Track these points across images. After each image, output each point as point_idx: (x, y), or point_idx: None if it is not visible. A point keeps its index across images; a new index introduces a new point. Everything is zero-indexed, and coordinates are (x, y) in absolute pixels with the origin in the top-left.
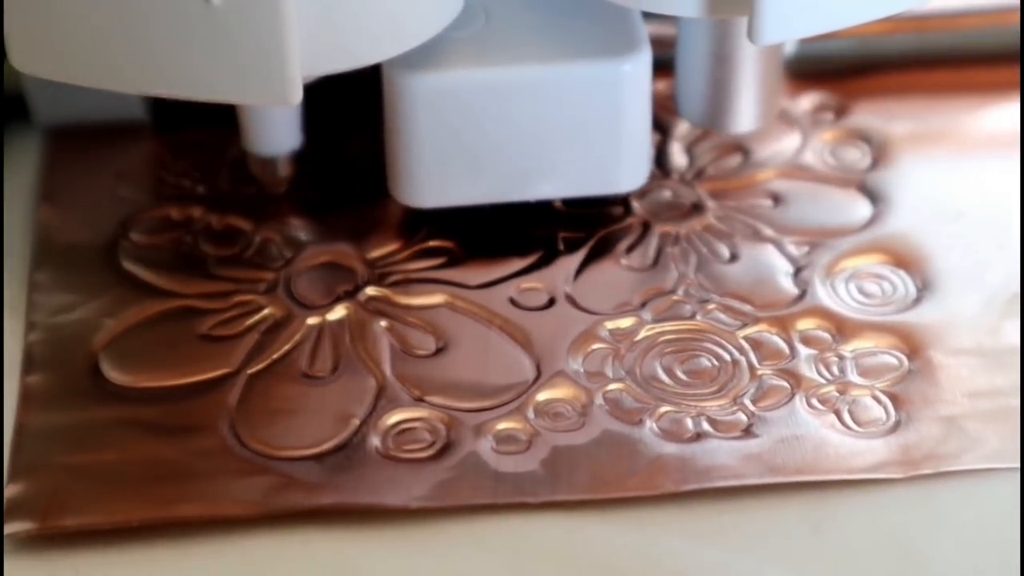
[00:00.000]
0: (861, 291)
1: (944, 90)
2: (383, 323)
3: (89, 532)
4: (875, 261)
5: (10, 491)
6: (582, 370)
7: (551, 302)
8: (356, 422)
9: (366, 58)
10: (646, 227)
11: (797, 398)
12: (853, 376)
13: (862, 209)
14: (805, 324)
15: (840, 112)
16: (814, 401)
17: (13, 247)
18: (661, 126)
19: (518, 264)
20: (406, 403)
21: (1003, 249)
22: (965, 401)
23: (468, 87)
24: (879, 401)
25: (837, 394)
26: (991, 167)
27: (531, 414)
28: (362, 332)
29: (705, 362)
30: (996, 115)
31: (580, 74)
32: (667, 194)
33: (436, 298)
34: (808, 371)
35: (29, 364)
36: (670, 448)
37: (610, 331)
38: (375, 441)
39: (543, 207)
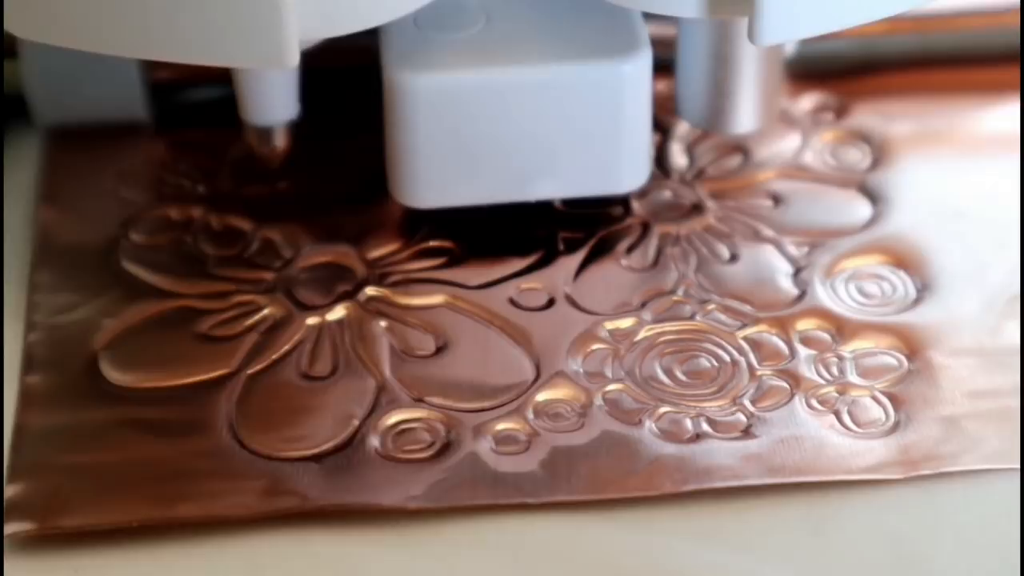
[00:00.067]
0: (861, 291)
1: (944, 90)
2: (383, 323)
3: (89, 532)
4: (875, 261)
5: (10, 491)
6: (582, 370)
7: (551, 302)
8: (355, 422)
9: (365, 21)
10: (646, 227)
11: (797, 399)
12: (853, 376)
13: (862, 209)
14: (805, 325)
15: (840, 112)
16: (814, 402)
17: (13, 247)
18: (661, 126)
19: (518, 264)
20: (406, 403)
21: (1003, 249)
22: (965, 401)
23: (469, 88)
24: (879, 402)
25: (837, 395)
26: (991, 167)
27: (530, 414)
28: (362, 332)
29: (705, 362)
30: (996, 116)
31: (581, 75)
32: (667, 194)
33: (436, 298)
34: (808, 372)
35: (29, 364)
36: (669, 448)
37: (610, 331)
38: (374, 441)
39: (543, 207)
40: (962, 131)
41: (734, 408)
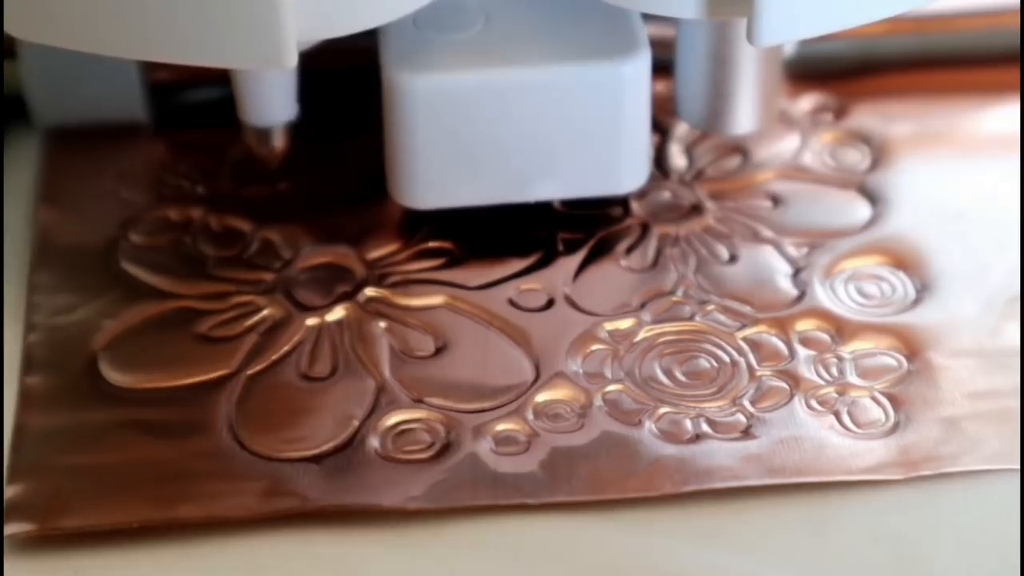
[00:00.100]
0: (860, 292)
1: (944, 91)
2: (382, 324)
3: (89, 533)
4: (874, 262)
5: (9, 492)
6: (581, 371)
7: (550, 303)
8: (355, 423)
9: (364, 22)
10: (645, 228)
11: (796, 399)
12: (852, 377)
13: (861, 210)
14: (804, 325)
15: (839, 113)
16: (813, 402)
17: (13, 248)
18: (660, 127)
19: (517, 265)
20: (405, 404)
21: (1003, 250)
22: (965, 402)
23: (468, 89)
24: (878, 402)
25: (836, 395)
26: (991, 168)
27: (530, 415)
28: (361, 333)
29: (704, 363)
30: (996, 116)
31: (580, 76)
32: (666, 195)
33: (435, 299)
34: (807, 372)
35: (29, 365)
36: (669, 449)
37: (609, 332)
38: (374, 442)
39: (542, 208)
40: (962, 132)
41: (734, 409)
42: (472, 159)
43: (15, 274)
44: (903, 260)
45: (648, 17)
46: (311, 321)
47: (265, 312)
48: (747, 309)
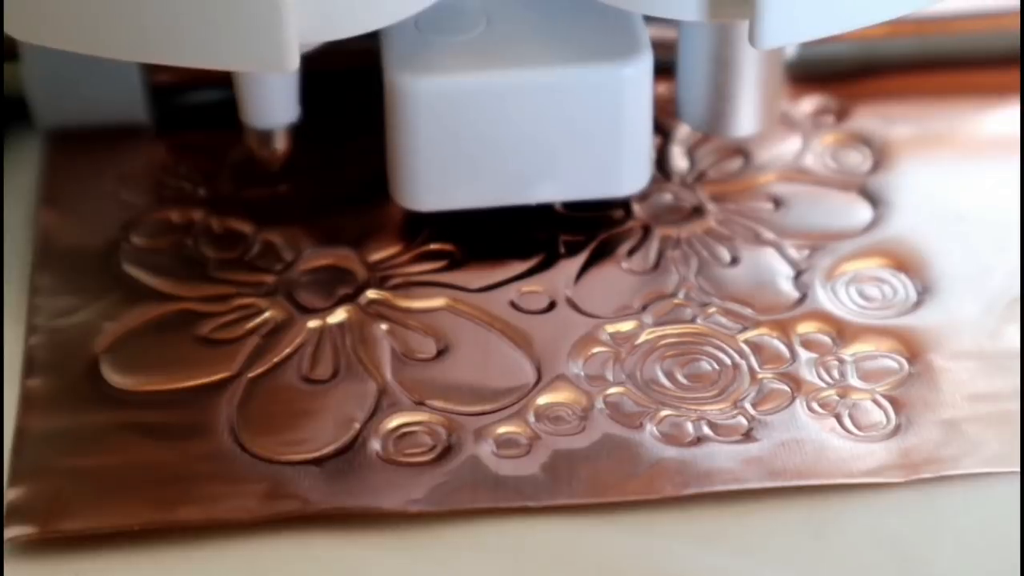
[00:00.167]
0: (861, 294)
1: (944, 93)
2: (384, 326)
3: (90, 536)
4: (876, 264)
5: (10, 495)
6: (583, 374)
7: (552, 305)
8: (356, 426)
9: (365, 25)
10: (647, 230)
11: (797, 402)
12: (853, 380)
13: (863, 212)
14: (805, 328)
15: (841, 115)
16: (814, 405)
17: (14, 250)
18: (662, 129)
19: (519, 267)
20: (406, 407)
21: (1003, 252)
22: (965, 405)
23: (470, 91)
24: (879, 405)
25: (837, 398)
26: (991, 170)
27: (531, 418)
28: (363, 335)
29: (706, 366)
30: (996, 118)
31: (582, 78)
32: (668, 197)
33: (437, 301)
34: (808, 375)
35: (30, 367)
36: (670, 452)
37: (611, 334)
38: (375, 445)
39: (544, 210)
40: (962, 134)
41: (735, 411)
42: (474, 161)
43: (16, 276)
44: (904, 262)
45: (650, 19)
46: (312, 323)
47: (266, 314)
48: (748, 311)
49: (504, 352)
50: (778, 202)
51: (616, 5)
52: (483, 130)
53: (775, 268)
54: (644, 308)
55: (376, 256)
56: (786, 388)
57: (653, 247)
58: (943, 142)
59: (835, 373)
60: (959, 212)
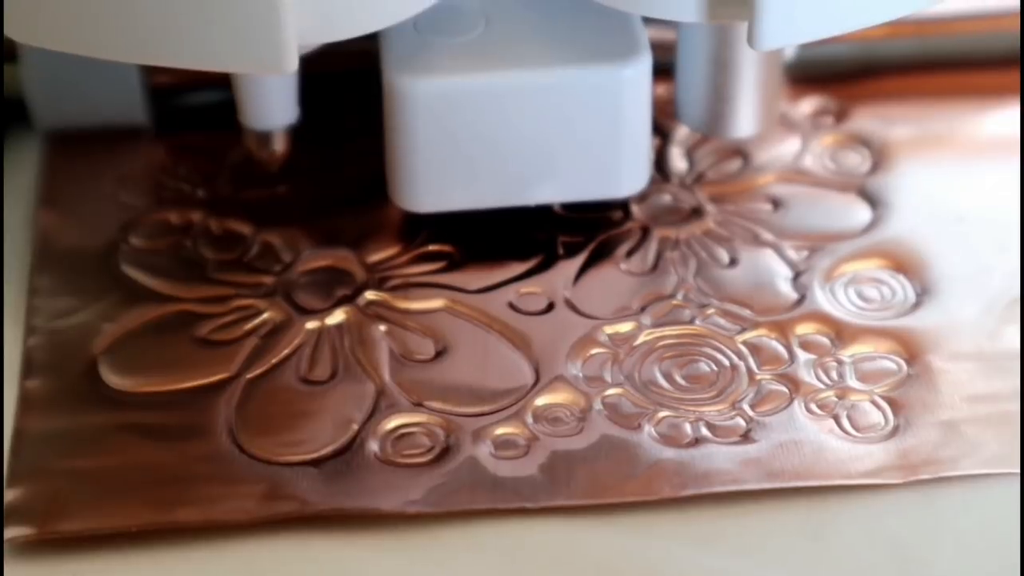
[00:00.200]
0: (860, 296)
1: (944, 94)
2: (382, 327)
3: (88, 537)
4: (874, 266)
5: (9, 496)
6: (581, 375)
7: (550, 306)
8: (355, 427)
9: (364, 26)
10: (645, 231)
11: (796, 403)
12: (852, 381)
13: (861, 213)
14: (804, 329)
15: (840, 116)
16: (813, 406)
17: (13, 251)
18: (661, 130)
19: (517, 268)
20: (405, 408)
21: (1003, 253)
22: (964, 406)
23: (468, 92)
24: (878, 406)
25: (836, 399)
26: (991, 171)
27: (530, 419)
28: (361, 337)
29: (704, 367)
30: (996, 119)
31: (581, 79)
32: (667, 198)
33: (435, 302)
34: (807, 376)
35: (28, 368)
36: (669, 453)
37: (609, 336)
38: (374, 446)
39: (543, 211)
40: (962, 135)
41: (733, 412)
42: (472, 162)
43: (15, 277)
44: (903, 263)
45: (649, 20)
46: (311, 324)
47: (265, 315)
48: (747, 313)
49: (502, 353)
50: (777, 203)
51: (615, 6)
52: (482, 131)
53: (774, 269)
54: (643, 309)
55: (375, 257)
56: (784, 389)
57: (652, 248)
58: (943, 143)
59: (834, 374)
60: (958, 213)
